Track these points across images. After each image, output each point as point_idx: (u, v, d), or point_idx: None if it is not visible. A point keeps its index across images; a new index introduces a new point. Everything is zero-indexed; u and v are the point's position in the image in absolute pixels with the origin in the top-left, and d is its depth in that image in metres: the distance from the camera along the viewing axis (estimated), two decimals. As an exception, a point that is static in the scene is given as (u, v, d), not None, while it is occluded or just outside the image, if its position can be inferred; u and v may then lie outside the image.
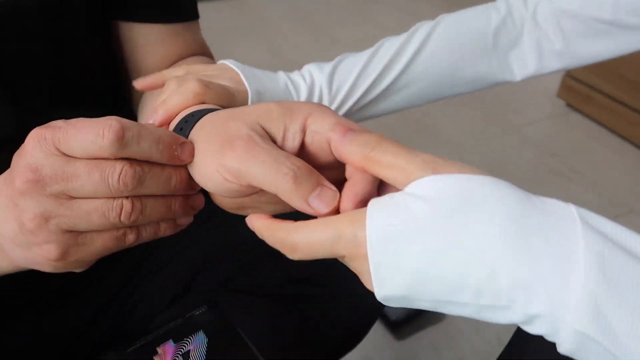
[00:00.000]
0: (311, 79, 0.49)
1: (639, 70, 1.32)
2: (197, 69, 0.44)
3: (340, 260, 0.27)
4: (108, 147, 0.27)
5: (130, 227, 0.30)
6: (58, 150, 0.28)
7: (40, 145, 0.28)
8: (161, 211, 0.31)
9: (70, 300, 0.56)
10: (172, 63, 0.53)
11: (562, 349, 0.22)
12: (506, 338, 0.39)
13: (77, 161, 0.28)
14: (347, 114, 0.52)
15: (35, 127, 0.30)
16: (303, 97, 0.48)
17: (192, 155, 0.30)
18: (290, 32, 2.07)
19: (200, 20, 0.55)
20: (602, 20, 0.50)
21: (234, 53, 1.84)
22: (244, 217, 0.62)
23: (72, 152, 0.28)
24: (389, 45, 0.52)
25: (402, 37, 0.53)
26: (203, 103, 0.36)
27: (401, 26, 2.15)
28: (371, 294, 0.57)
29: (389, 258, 0.23)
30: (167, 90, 0.38)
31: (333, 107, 0.49)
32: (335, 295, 0.58)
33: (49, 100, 0.45)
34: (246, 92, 0.42)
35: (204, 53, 0.56)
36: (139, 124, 0.29)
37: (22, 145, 0.29)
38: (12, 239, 0.30)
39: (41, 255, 0.29)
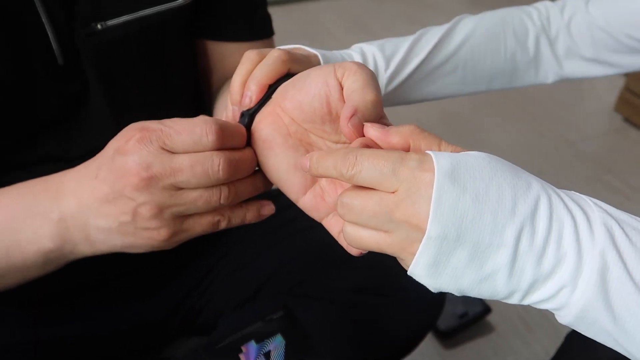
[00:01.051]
0: (359, 49, 0.53)
1: None
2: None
3: (395, 187, 0.27)
4: (210, 144, 0.33)
5: (222, 214, 0.36)
6: (163, 149, 0.33)
7: (146, 146, 0.33)
8: (250, 190, 0.37)
9: (151, 294, 0.62)
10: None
11: (566, 314, 0.26)
12: (553, 351, 0.41)
13: (180, 157, 0.33)
14: (401, 90, 0.53)
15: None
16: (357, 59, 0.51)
17: None
18: (342, 36, 2.11)
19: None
20: (636, 39, 0.52)
21: (288, 58, 1.90)
22: (313, 225, 0.67)
23: (175, 149, 0.33)
24: (433, 33, 0.55)
25: (445, 27, 0.56)
26: (289, 71, 0.39)
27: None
28: (429, 305, 0.61)
29: (452, 186, 0.26)
30: (247, 60, 0.39)
31: (388, 72, 0.51)
32: (397, 305, 0.62)
33: (148, 112, 0.51)
34: (317, 56, 0.45)
35: None
36: (229, 123, 0.35)
37: (121, 145, 0.34)
38: (115, 229, 0.35)
39: (150, 237, 0.35)
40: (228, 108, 0.40)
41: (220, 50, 0.58)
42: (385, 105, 0.49)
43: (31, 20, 0.42)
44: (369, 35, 2.12)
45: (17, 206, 0.38)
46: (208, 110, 0.61)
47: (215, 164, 0.33)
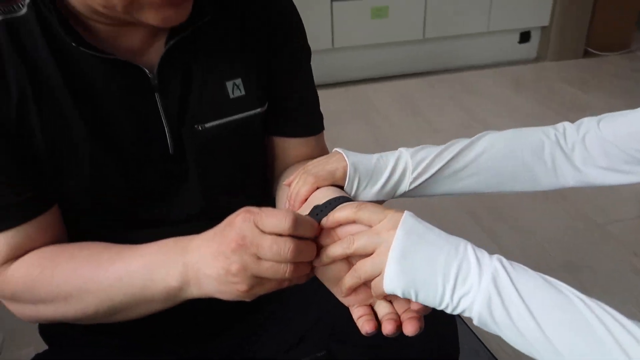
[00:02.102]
0: (399, 153, 0.64)
1: None
2: (313, 161, 0.66)
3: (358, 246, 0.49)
4: (287, 229, 0.46)
5: (288, 279, 0.49)
6: (256, 226, 0.47)
7: (247, 222, 0.47)
8: (306, 270, 0.50)
9: (211, 338, 0.74)
10: (304, 162, 0.73)
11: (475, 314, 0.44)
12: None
13: (266, 236, 0.46)
14: (427, 184, 0.64)
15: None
16: (390, 164, 0.63)
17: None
18: (393, 116, 2.32)
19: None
20: None
21: (342, 136, 2.11)
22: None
23: (264, 228, 0.46)
24: (459, 143, 0.65)
25: (472, 139, 0.66)
26: (318, 187, 0.60)
27: (494, 117, 2.34)
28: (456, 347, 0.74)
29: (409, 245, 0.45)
30: (296, 184, 0.61)
31: (415, 172, 0.63)
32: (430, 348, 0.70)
33: (229, 191, 0.70)
34: (346, 166, 0.61)
35: (323, 152, 0.78)
36: (303, 217, 0.49)
37: (232, 220, 0.48)
38: (214, 277, 0.48)
39: (235, 289, 0.47)
40: (286, 203, 0.59)
41: (281, 144, 0.74)
42: (411, 196, 0.66)
43: (155, 121, 0.61)
44: (419, 116, 2.33)
45: (156, 254, 0.53)
46: (271, 190, 0.78)
47: (286, 247, 0.45)
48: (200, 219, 0.67)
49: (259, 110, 0.68)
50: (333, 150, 0.65)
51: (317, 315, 0.73)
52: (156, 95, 0.61)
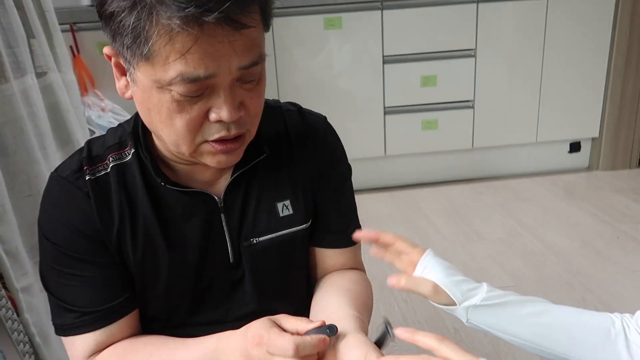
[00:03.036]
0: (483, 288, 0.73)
1: None
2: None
3: None
4: (290, 355, 0.57)
5: None
6: (267, 351, 0.60)
7: (259, 348, 0.60)
8: None
9: None
10: (342, 268, 0.86)
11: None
12: None
13: (275, 358, 0.59)
14: (496, 309, 0.72)
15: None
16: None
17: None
18: (440, 223, 2.39)
19: (361, 209, 0.89)
20: None
21: (390, 239, 2.19)
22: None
23: (272, 353, 0.59)
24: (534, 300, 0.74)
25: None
26: None
27: (542, 226, 2.34)
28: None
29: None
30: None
31: (489, 293, 0.72)
32: None
33: (275, 294, 0.81)
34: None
35: (358, 267, 0.88)
36: (307, 341, 0.58)
37: (249, 345, 0.61)
38: None
39: None
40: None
41: (321, 254, 0.85)
42: (477, 324, 0.73)
43: (219, 236, 0.75)
44: (465, 223, 2.39)
45: (200, 348, 0.68)
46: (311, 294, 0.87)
47: None
48: (252, 318, 0.76)
49: (304, 226, 0.80)
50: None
51: None
52: (222, 215, 0.76)
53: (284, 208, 0.78)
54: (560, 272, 1.95)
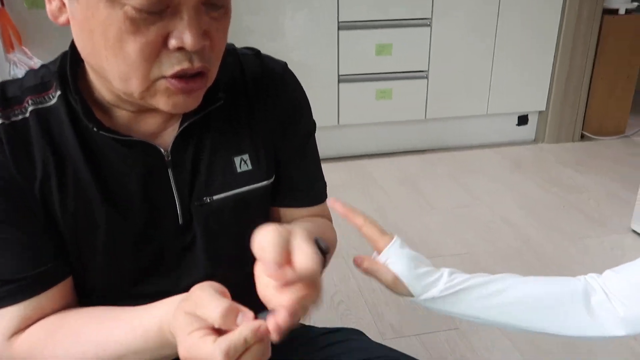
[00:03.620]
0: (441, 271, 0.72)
1: None
2: None
3: None
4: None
5: None
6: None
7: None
8: None
9: None
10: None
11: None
12: None
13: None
14: (458, 295, 0.71)
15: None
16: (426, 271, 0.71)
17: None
18: (394, 195, 2.38)
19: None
20: None
21: (344, 209, 2.16)
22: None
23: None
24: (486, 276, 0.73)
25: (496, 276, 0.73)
26: None
27: (493, 196, 2.37)
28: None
29: None
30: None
31: (451, 276, 0.71)
32: None
33: (231, 260, 0.73)
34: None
35: (325, 215, 0.83)
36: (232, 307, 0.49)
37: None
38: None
39: None
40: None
41: (288, 213, 0.79)
42: (440, 307, 0.70)
43: (166, 194, 0.65)
44: (418, 193, 2.39)
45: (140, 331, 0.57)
46: None
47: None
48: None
49: (265, 183, 0.73)
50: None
51: None
52: (169, 171, 0.66)
53: (242, 163, 0.71)
54: (511, 240, 1.99)
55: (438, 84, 2.73)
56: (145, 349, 0.56)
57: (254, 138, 0.72)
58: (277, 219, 0.81)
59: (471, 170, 2.64)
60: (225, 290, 0.52)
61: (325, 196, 0.83)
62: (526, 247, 1.94)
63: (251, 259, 0.77)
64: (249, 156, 0.71)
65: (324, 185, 0.83)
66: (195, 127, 0.67)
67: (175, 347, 0.51)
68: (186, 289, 0.69)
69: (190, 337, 0.48)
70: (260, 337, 0.47)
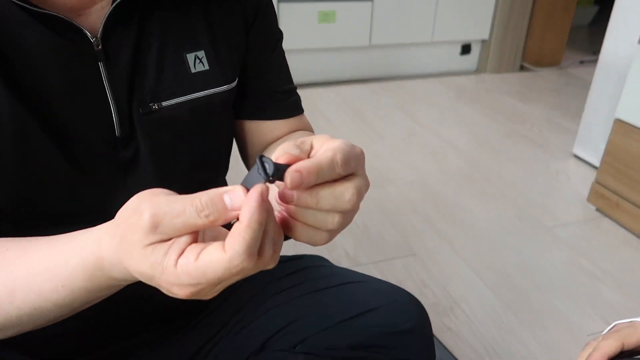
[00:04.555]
0: None
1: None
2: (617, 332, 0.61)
3: None
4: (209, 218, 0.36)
5: None
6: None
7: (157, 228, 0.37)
8: None
9: (161, 349, 0.66)
10: (283, 137, 0.69)
11: None
12: None
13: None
14: None
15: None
16: None
17: None
18: (340, 124, 2.27)
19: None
20: None
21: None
22: (320, 289, 0.77)
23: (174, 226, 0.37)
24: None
25: None
26: None
27: (440, 124, 2.34)
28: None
29: None
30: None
31: None
32: None
33: (187, 176, 0.61)
34: None
35: (306, 129, 0.73)
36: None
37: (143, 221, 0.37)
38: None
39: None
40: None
41: (260, 127, 0.69)
42: None
43: (97, 96, 0.51)
44: (365, 123, 2.29)
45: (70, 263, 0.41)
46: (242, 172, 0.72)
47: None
48: None
49: (225, 87, 0.60)
50: (634, 320, 0.62)
51: (277, 324, 0.68)
52: (100, 65, 0.51)
53: (197, 61, 0.57)
54: (461, 165, 1.95)
55: (383, 7, 2.59)
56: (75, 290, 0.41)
57: (212, 32, 0.58)
58: (249, 137, 0.69)
59: (416, 100, 2.57)
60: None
61: (302, 110, 0.73)
62: (475, 170, 1.91)
63: (207, 183, 0.64)
64: (205, 54, 0.58)
65: (299, 98, 0.73)
66: (134, 13, 0.52)
67: (114, 283, 0.40)
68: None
69: (171, 259, 0.34)
70: (271, 209, 0.35)
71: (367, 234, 1.52)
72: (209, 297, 0.37)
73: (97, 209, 0.53)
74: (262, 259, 0.35)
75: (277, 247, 0.36)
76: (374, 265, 1.41)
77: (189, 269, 0.33)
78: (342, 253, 1.44)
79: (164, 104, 0.55)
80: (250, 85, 0.66)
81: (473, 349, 1.16)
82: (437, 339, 1.17)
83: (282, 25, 2.45)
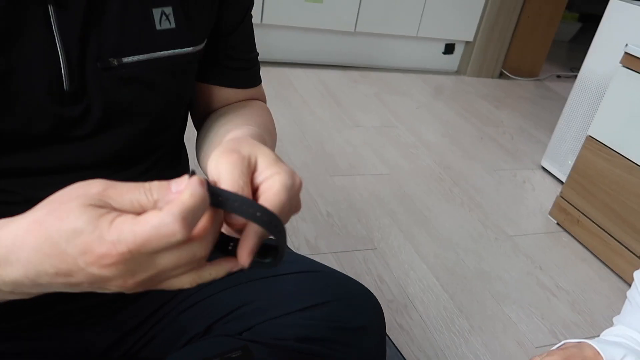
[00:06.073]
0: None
1: (627, 205, 1.46)
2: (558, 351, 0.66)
3: None
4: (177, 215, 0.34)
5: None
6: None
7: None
8: None
9: (99, 321, 0.62)
10: (236, 102, 0.68)
11: None
12: None
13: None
14: None
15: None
16: None
17: None
18: (315, 106, 2.22)
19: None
20: None
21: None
22: (273, 275, 0.72)
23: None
24: None
25: None
26: None
27: (415, 120, 2.32)
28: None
29: None
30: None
31: None
32: (343, 357, 0.65)
33: (135, 140, 0.56)
34: None
35: (260, 99, 0.73)
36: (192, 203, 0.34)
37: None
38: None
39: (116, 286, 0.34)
40: None
41: (221, 93, 0.67)
42: None
43: (44, 43, 0.46)
44: (340, 108, 2.25)
45: None
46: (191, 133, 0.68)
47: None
48: (103, 166, 0.54)
49: (191, 49, 0.56)
50: (582, 342, 0.66)
51: (225, 309, 0.65)
52: (50, 7, 0.45)
53: (163, 18, 0.53)
54: (432, 164, 1.94)
55: (372, -6, 2.54)
56: None
57: None
58: (204, 99, 0.66)
59: (394, 92, 2.54)
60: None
61: (260, 80, 0.72)
62: (446, 172, 1.90)
63: (162, 146, 0.60)
64: (173, 11, 0.54)
65: (259, 68, 0.71)
66: None
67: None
68: (64, 172, 0.49)
69: (108, 218, 0.32)
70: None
71: (329, 222, 1.49)
72: (139, 284, 0.33)
73: (29, 168, 0.49)
74: (196, 245, 0.33)
75: (207, 248, 0.34)
76: (333, 255, 1.38)
77: (122, 226, 0.31)
78: (302, 240, 1.40)
79: (125, 60, 0.50)
80: (215, 49, 0.63)
81: (422, 351, 1.14)
82: (388, 336, 1.15)
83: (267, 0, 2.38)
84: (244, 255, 0.36)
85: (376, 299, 0.69)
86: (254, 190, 0.38)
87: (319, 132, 1.97)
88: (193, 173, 0.34)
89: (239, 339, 0.62)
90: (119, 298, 0.63)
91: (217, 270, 0.37)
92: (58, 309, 0.58)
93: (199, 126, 0.69)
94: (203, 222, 0.34)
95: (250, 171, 0.38)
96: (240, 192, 0.36)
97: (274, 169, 0.39)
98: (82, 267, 0.31)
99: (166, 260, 0.32)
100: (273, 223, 0.35)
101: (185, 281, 0.35)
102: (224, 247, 0.38)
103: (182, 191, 0.32)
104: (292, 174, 0.39)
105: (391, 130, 2.13)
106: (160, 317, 0.65)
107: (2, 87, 0.44)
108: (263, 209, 0.34)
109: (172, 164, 0.65)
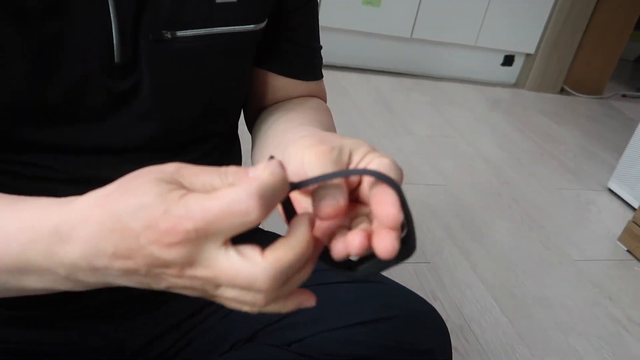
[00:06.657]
0: None
1: None
2: None
3: None
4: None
5: None
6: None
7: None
8: None
9: (140, 316, 0.58)
10: (295, 98, 0.63)
11: None
12: None
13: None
14: None
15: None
16: None
17: None
18: (366, 111, 2.15)
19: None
20: None
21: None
22: (332, 283, 0.64)
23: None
24: None
25: None
26: None
27: (471, 132, 2.22)
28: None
29: None
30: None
31: None
32: None
33: (188, 125, 0.52)
34: None
35: (320, 97, 0.67)
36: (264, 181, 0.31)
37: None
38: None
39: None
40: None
41: (278, 83, 0.61)
42: None
43: (97, 13, 0.42)
44: (393, 116, 2.17)
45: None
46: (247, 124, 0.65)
47: None
48: (150, 150, 0.50)
49: (252, 26, 0.51)
50: None
51: (274, 315, 0.58)
52: None
53: None
54: (490, 179, 1.83)
55: (431, 1, 2.45)
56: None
57: None
58: (259, 89, 0.61)
59: (449, 102, 2.45)
60: None
61: (322, 75, 0.67)
62: (504, 187, 1.79)
63: (215, 124, 0.56)
64: None
65: (321, 61, 0.66)
66: None
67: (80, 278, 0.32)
68: (123, 149, 0.47)
69: (178, 193, 0.29)
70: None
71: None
72: (193, 280, 0.30)
73: (71, 145, 0.46)
74: (263, 296, 0.29)
75: (269, 300, 0.31)
76: (384, 266, 1.30)
77: (191, 201, 0.28)
78: (351, 247, 1.33)
79: (179, 33, 0.46)
80: (275, 31, 0.57)
81: None
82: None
83: (325, 1, 2.34)
84: (388, 239, 0.30)
85: (441, 318, 0.62)
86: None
87: (370, 139, 1.90)
88: (272, 158, 0.31)
89: (288, 351, 0.56)
90: (162, 292, 0.58)
91: (281, 306, 0.33)
92: (103, 298, 0.54)
93: (252, 122, 0.64)
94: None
95: (344, 163, 0.34)
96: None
97: (375, 154, 0.35)
98: (143, 245, 0.28)
99: (228, 293, 0.30)
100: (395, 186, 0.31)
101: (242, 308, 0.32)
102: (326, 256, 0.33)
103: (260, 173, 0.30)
104: (396, 162, 0.33)
105: (446, 140, 2.04)
106: (203, 319, 0.60)
107: (51, 52, 0.41)
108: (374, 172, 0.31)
109: (223, 160, 0.60)
